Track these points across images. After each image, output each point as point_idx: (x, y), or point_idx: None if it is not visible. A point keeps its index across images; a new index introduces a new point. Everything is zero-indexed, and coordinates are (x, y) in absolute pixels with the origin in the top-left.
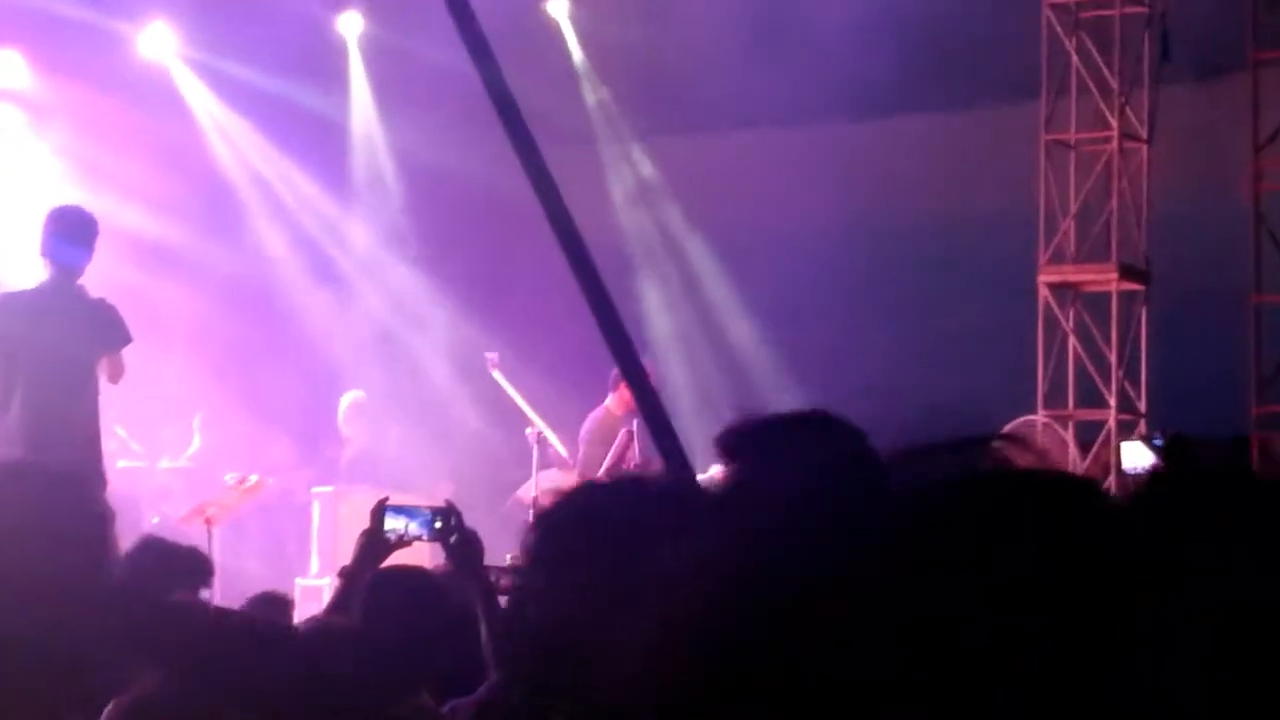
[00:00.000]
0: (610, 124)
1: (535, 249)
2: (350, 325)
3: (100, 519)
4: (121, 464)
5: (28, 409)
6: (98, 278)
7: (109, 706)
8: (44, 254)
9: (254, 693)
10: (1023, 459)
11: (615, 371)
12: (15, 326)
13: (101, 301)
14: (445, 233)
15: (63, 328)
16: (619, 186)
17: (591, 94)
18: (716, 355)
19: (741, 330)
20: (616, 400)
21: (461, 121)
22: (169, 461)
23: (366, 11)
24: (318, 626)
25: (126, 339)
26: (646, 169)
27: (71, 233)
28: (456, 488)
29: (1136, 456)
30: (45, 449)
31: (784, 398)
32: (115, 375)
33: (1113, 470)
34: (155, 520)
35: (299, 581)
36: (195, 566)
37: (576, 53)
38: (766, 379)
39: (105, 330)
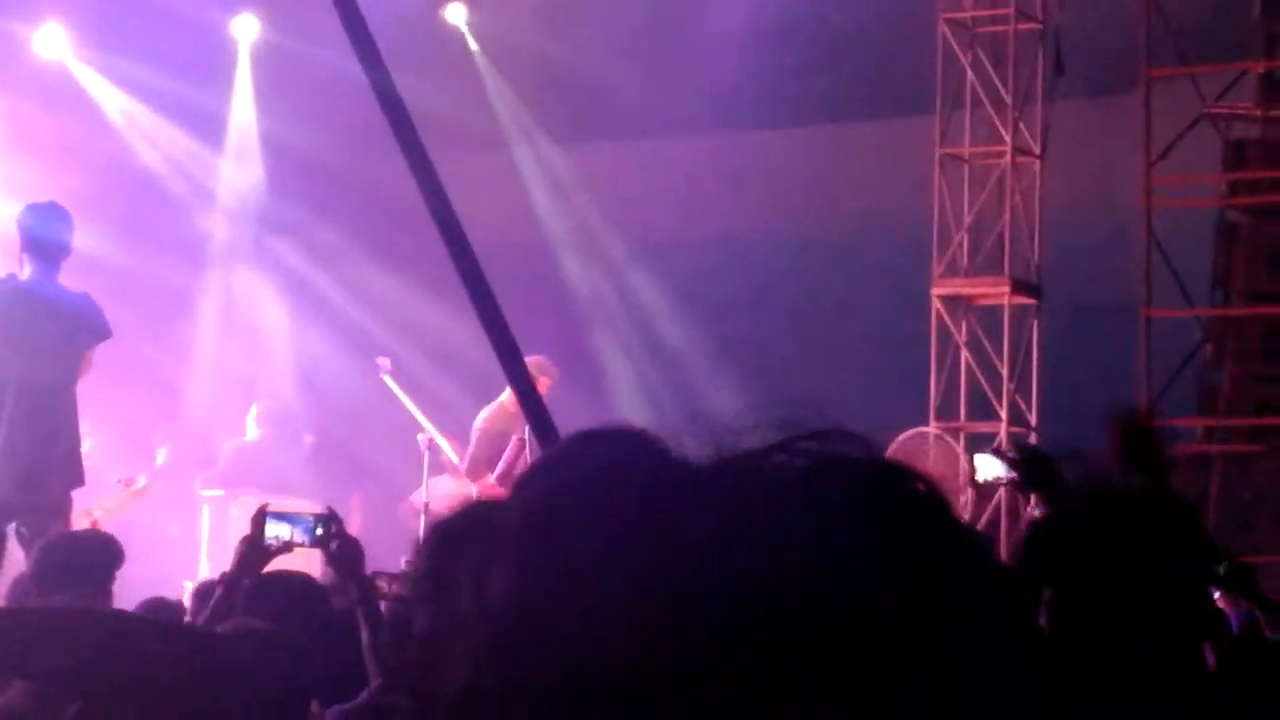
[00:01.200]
0: (521, 129)
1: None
2: (255, 328)
3: None
4: None
5: (6, 406)
6: None
7: None
8: (23, 249)
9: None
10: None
11: (528, 361)
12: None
13: (85, 296)
14: (343, 234)
15: (45, 322)
16: (536, 189)
17: (499, 100)
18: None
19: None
20: (513, 396)
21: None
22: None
23: (262, 15)
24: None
25: (107, 332)
26: (562, 172)
27: (47, 228)
28: (354, 494)
29: (989, 468)
30: (24, 443)
31: (661, 407)
32: (84, 370)
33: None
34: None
35: (187, 585)
36: (102, 560)
37: (480, 59)
38: (650, 391)
39: (89, 324)
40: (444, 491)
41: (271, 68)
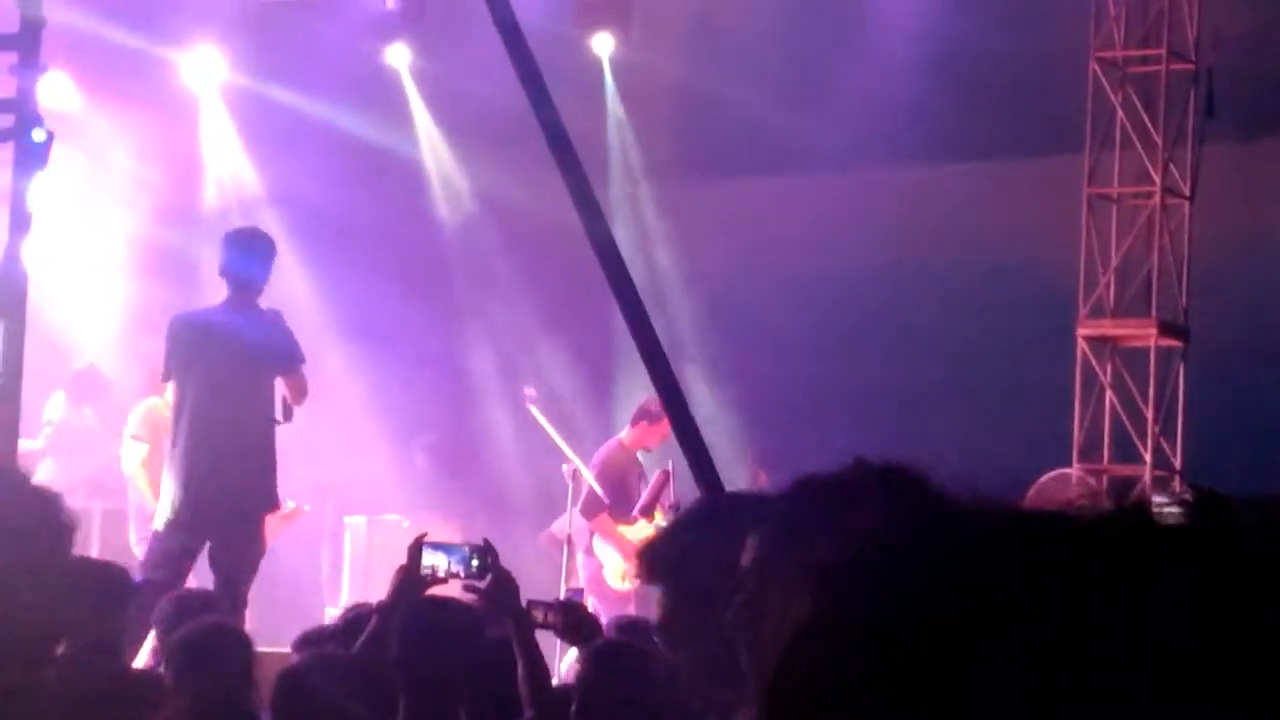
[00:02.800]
0: (628, 164)
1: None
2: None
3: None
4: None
5: (197, 424)
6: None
7: None
8: (223, 273)
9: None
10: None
11: (639, 406)
12: (191, 343)
13: (276, 322)
14: (487, 262)
15: (236, 346)
16: (622, 228)
17: (615, 131)
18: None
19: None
20: (633, 435)
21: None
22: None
23: (414, 44)
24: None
25: (295, 359)
26: (657, 214)
27: (248, 252)
28: (492, 521)
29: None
30: (213, 464)
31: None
32: (297, 395)
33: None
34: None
35: (330, 611)
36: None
37: (610, 87)
38: (786, 429)
39: (278, 350)
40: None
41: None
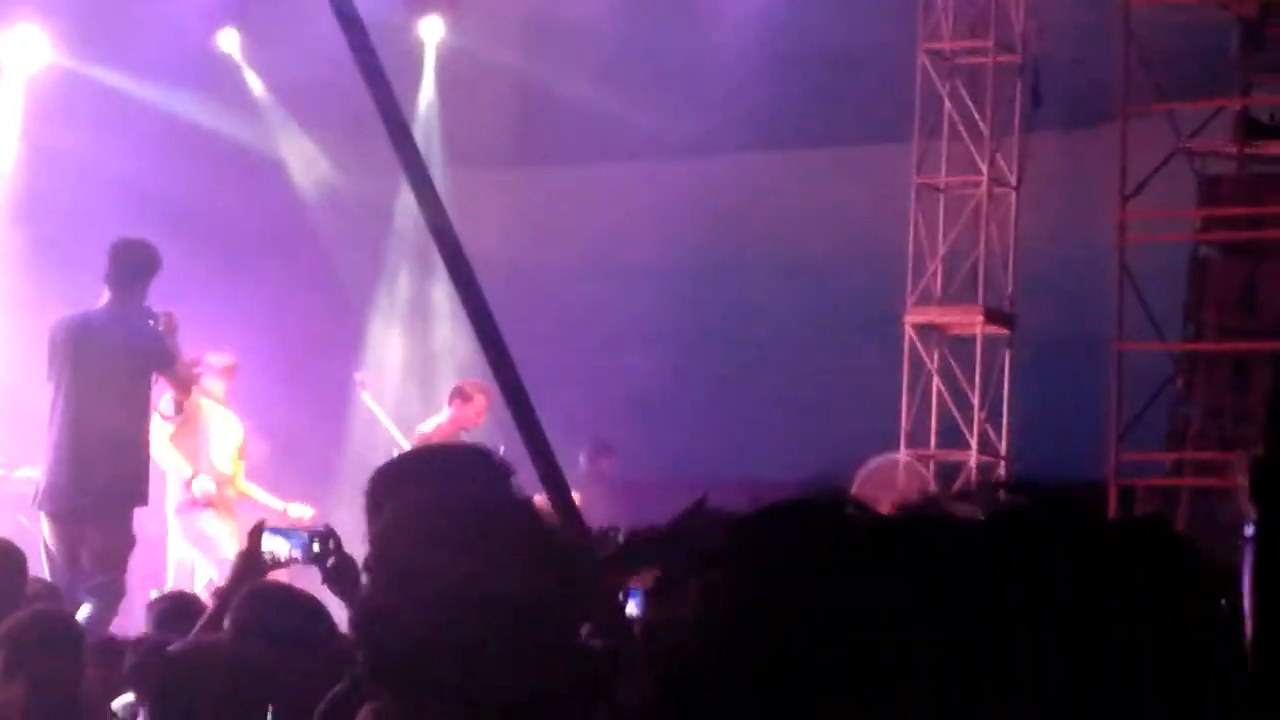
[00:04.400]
0: (444, 148)
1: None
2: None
3: None
4: (21, 474)
5: (66, 422)
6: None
7: None
8: (105, 279)
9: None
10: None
11: (453, 387)
12: (68, 341)
13: (146, 324)
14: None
15: (108, 345)
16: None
17: (423, 119)
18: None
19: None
20: (451, 415)
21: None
22: (28, 470)
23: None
24: (190, 644)
25: (167, 358)
26: (541, 194)
27: (127, 263)
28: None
29: None
30: (80, 452)
31: (634, 431)
32: (180, 388)
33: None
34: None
35: (153, 593)
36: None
37: (428, 74)
38: (624, 415)
39: (147, 349)
40: None
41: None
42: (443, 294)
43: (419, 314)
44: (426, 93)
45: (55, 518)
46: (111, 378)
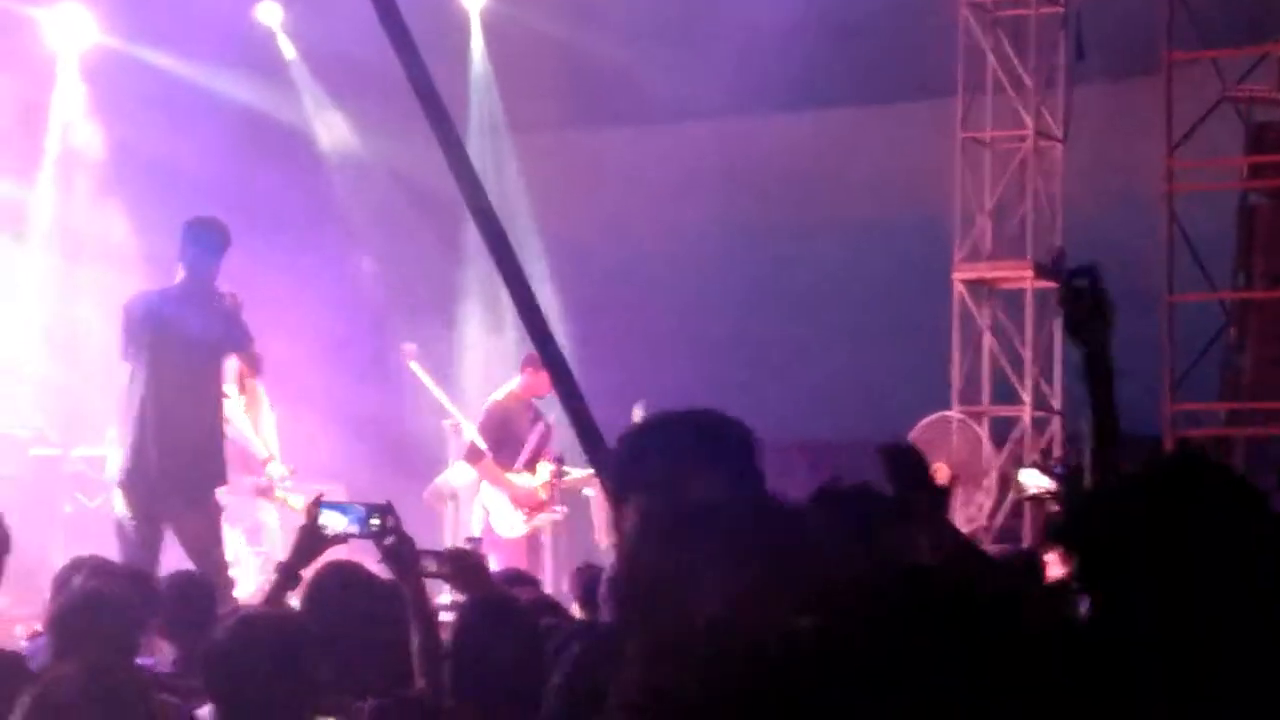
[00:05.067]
0: (488, 117)
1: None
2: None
3: None
4: (34, 452)
5: (151, 401)
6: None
7: None
8: (179, 257)
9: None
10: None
11: (527, 354)
12: (146, 320)
13: (224, 304)
14: (364, 220)
15: (187, 324)
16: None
17: (477, 84)
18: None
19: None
20: (522, 382)
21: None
22: (84, 449)
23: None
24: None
25: (244, 340)
26: (574, 157)
27: (202, 240)
28: (373, 478)
29: (1034, 480)
30: (168, 441)
31: (681, 397)
32: (251, 369)
33: (1012, 485)
34: (68, 509)
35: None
36: None
37: (476, 40)
38: (671, 381)
39: (226, 329)
40: (470, 477)
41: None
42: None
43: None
44: (480, 63)
45: (137, 497)
46: (192, 357)
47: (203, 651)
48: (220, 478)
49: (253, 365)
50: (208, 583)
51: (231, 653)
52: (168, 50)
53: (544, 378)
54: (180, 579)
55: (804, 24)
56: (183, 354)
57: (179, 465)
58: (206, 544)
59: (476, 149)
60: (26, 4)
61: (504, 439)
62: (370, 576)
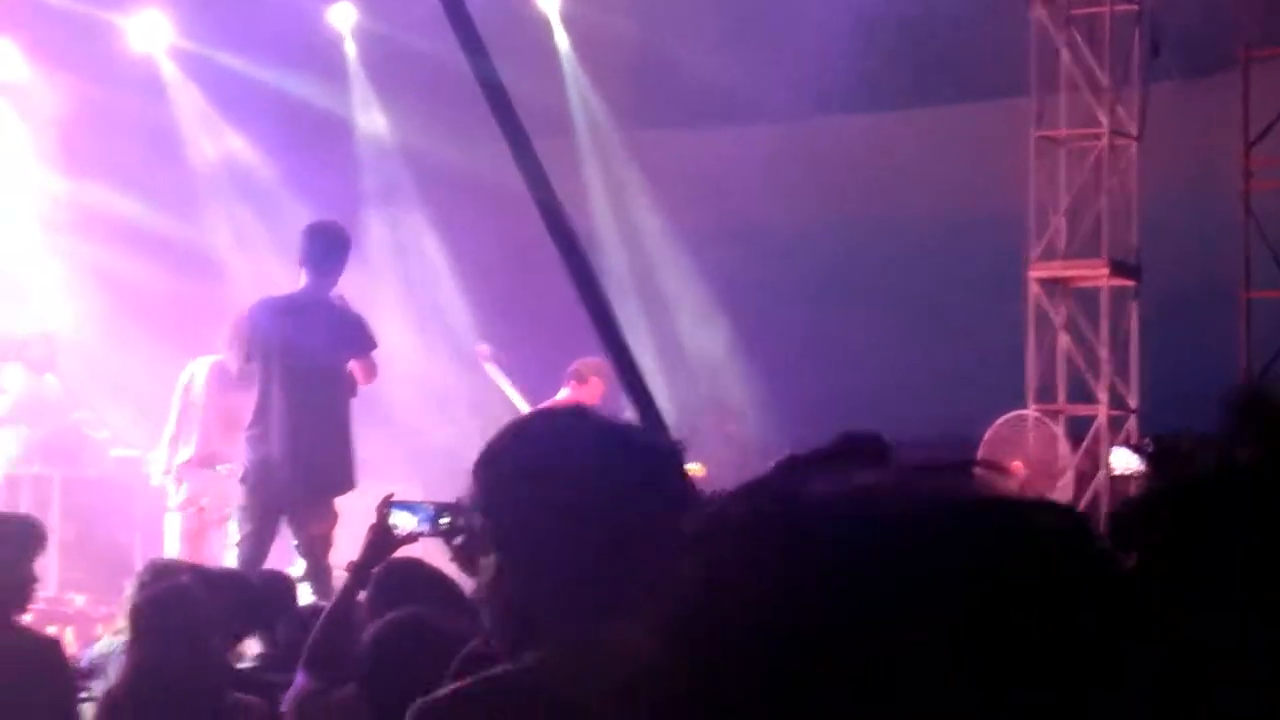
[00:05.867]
0: (589, 116)
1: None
2: None
3: None
4: (116, 453)
5: (281, 405)
6: (96, 264)
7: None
8: (301, 263)
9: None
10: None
11: (570, 368)
12: (272, 326)
13: (348, 309)
14: (435, 222)
15: (313, 330)
16: (596, 179)
17: (573, 85)
18: (687, 355)
19: (718, 328)
20: (580, 394)
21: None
22: (121, 450)
23: (359, 3)
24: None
25: (372, 344)
26: (624, 163)
27: (325, 246)
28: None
29: (1125, 461)
30: (299, 443)
31: (760, 393)
32: (368, 376)
33: (1102, 465)
34: (148, 510)
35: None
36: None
37: (562, 41)
38: (748, 377)
39: (351, 335)
40: None
41: (367, 55)
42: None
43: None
44: (570, 64)
45: (261, 492)
46: (320, 362)
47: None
48: (348, 484)
49: (372, 372)
50: (288, 581)
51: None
52: (240, 52)
53: (591, 389)
54: (266, 576)
55: (877, 24)
56: (309, 359)
57: (307, 468)
58: (321, 548)
59: (586, 148)
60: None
61: None
62: (435, 573)
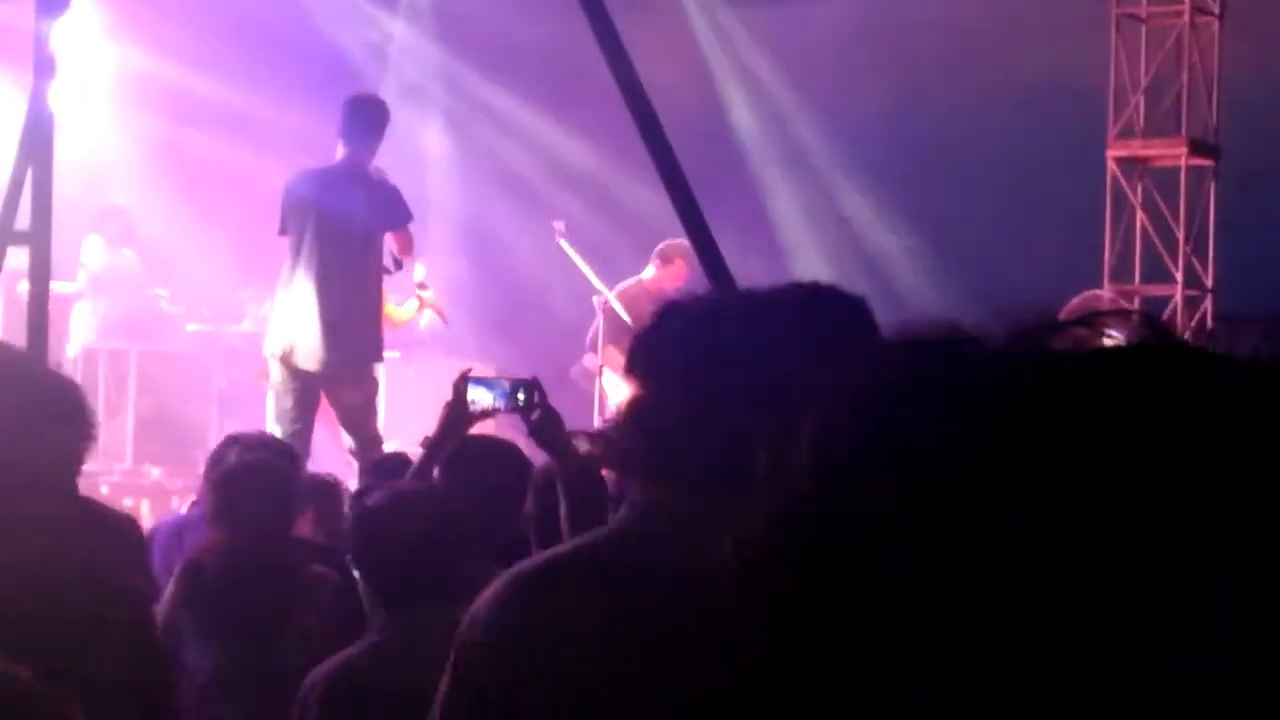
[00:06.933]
0: None
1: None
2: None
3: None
4: (191, 328)
5: (310, 272)
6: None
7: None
8: (339, 135)
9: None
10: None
11: (665, 245)
12: (306, 194)
13: (384, 182)
14: (507, 96)
15: (347, 200)
16: (710, 51)
17: None
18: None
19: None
20: (663, 275)
21: None
22: (238, 326)
23: None
24: (391, 492)
25: (407, 215)
26: (735, 33)
27: (363, 118)
28: (522, 355)
29: None
30: (328, 316)
31: (844, 270)
32: (405, 247)
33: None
34: (222, 384)
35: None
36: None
37: None
38: (828, 250)
39: (386, 206)
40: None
41: None
42: None
43: None
44: None
45: (293, 367)
46: (352, 234)
47: (353, 520)
48: (377, 354)
49: (409, 245)
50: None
51: (380, 523)
52: None
53: (676, 271)
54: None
55: None
56: (343, 231)
57: (338, 340)
58: (361, 417)
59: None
60: None
61: (625, 328)
62: (511, 450)
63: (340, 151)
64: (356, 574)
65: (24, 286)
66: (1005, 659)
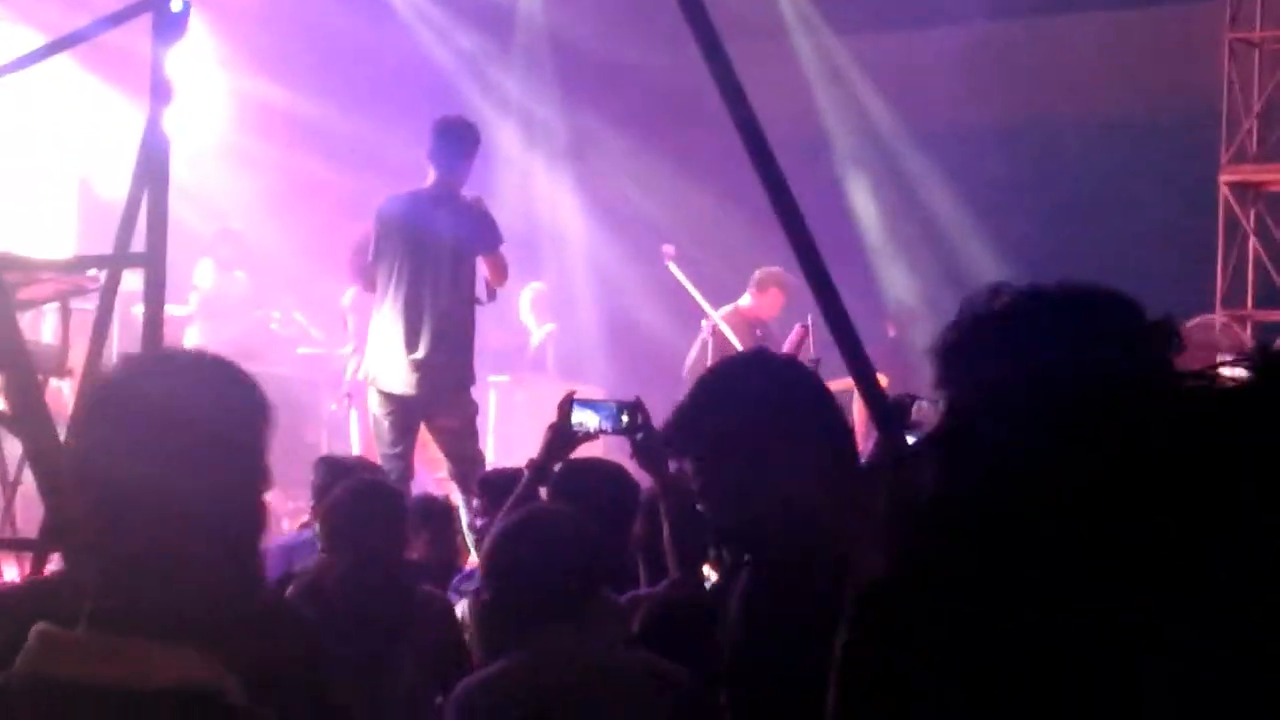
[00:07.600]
0: (802, 17)
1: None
2: (523, 216)
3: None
4: (301, 350)
5: (401, 300)
6: (287, 167)
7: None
8: (429, 158)
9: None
10: None
11: (760, 273)
12: (397, 219)
13: (474, 205)
14: (620, 124)
15: (438, 224)
16: (814, 79)
17: None
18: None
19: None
20: (759, 303)
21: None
22: (346, 348)
23: None
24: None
25: (497, 239)
26: (841, 61)
27: (454, 141)
28: (632, 380)
29: None
30: (423, 341)
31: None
32: (497, 274)
33: None
34: (333, 407)
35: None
36: None
37: None
38: (948, 276)
39: (475, 230)
40: None
41: None
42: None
43: None
44: None
45: (390, 398)
46: (444, 258)
47: (492, 539)
48: (470, 379)
49: (502, 272)
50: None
51: (522, 544)
52: None
53: (772, 298)
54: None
55: None
56: (432, 255)
57: (434, 365)
58: (460, 441)
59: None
60: None
61: (731, 352)
62: (616, 471)
63: (430, 175)
64: (486, 593)
65: (139, 309)
66: None
